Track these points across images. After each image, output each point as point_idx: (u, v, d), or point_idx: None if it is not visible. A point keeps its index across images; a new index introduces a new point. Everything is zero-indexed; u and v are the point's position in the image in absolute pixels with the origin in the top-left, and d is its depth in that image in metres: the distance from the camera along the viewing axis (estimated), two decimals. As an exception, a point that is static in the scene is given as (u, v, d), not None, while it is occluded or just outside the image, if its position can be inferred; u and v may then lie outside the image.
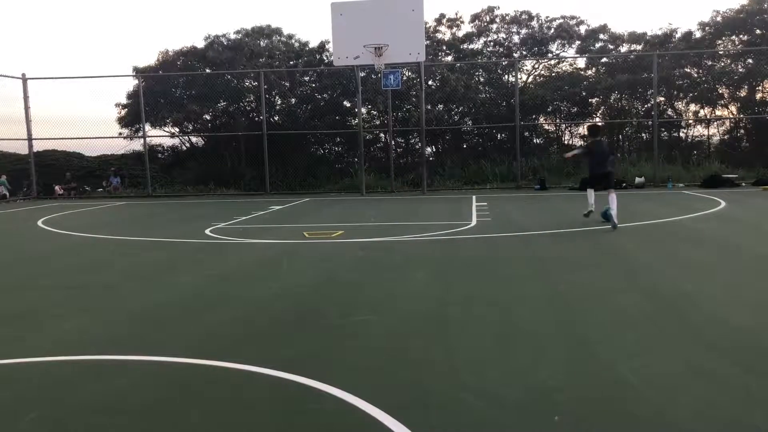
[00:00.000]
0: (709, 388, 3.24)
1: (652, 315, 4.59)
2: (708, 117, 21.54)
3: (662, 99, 20.87)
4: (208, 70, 22.03)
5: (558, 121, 22.52)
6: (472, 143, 22.89)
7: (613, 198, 9.18)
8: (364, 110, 21.53)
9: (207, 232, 9.97)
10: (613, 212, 8.98)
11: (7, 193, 19.63)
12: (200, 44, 22.57)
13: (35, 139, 19.90)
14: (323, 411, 3.10)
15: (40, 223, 12.35)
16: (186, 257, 7.87)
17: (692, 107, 21.67)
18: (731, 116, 21.44)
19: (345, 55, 14.93)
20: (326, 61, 22.14)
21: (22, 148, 20.44)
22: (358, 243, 8.50)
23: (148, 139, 20.87)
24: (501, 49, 23.18)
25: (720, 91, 21.12)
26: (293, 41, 23.44)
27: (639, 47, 22.18)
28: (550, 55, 23.06)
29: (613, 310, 4.74)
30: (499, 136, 22.39)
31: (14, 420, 3.09)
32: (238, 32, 22.92)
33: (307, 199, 16.79)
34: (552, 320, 4.55)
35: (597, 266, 6.47)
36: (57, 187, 20.54)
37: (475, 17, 23.33)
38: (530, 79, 23.07)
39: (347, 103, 22.39)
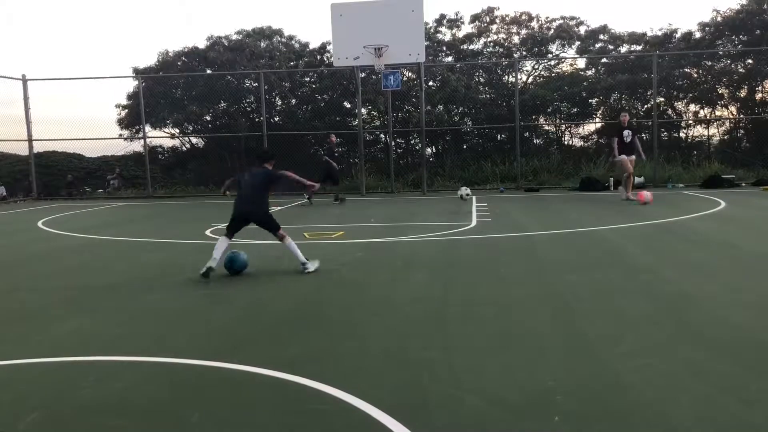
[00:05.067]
0: (709, 388, 3.24)
1: (652, 315, 4.59)
2: (708, 117, 21.55)
3: (662, 99, 20.88)
4: (208, 71, 22.04)
5: (558, 121, 22.54)
6: (472, 144, 22.91)
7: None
8: (364, 111, 21.55)
9: (207, 233, 9.97)
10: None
11: (6, 194, 19.62)
12: (201, 45, 22.63)
13: (35, 140, 19.91)
14: (323, 411, 3.11)
15: (40, 224, 12.36)
16: (186, 258, 7.87)
17: (692, 107, 21.70)
18: (731, 116, 21.45)
19: (345, 55, 14.94)
20: (326, 62, 22.17)
21: (22, 149, 20.47)
22: (359, 244, 8.50)
23: (148, 140, 20.89)
24: (501, 50, 23.20)
25: (720, 92, 21.13)
26: (293, 42, 23.47)
27: (639, 47, 22.20)
28: (549, 55, 23.08)
29: (612, 310, 4.74)
30: (499, 136, 22.40)
31: (15, 421, 3.09)
32: (238, 33, 22.97)
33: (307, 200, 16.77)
34: (552, 320, 4.55)
35: (597, 266, 6.47)
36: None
37: (475, 18, 23.36)
38: (530, 80, 23.10)
39: (347, 104, 22.42)
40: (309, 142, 22.60)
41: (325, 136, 22.21)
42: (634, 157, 13.15)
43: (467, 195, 14.57)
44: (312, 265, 6.57)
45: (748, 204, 12.29)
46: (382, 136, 22.34)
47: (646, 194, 12.37)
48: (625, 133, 12.98)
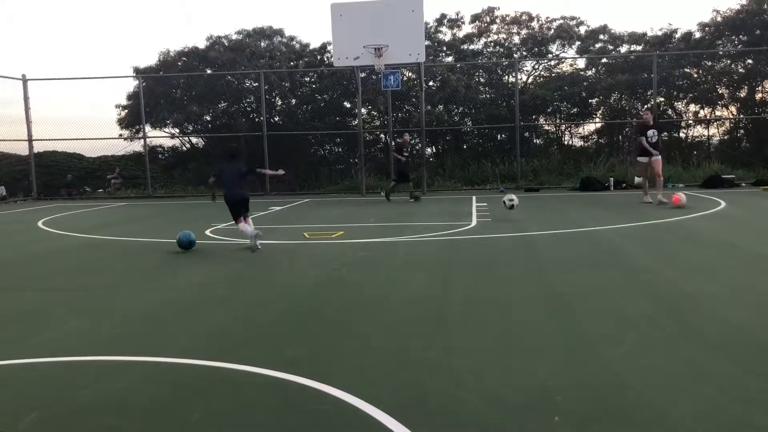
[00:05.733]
0: (709, 388, 3.24)
1: (652, 315, 4.59)
2: (708, 117, 21.55)
3: (662, 99, 20.89)
4: (209, 71, 22.04)
5: (558, 121, 22.54)
6: (472, 144, 22.92)
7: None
8: (364, 111, 21.55)
9: (207, 232, 9.98)
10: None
11: (6, 194, 19.62)
12: (201, 45, 22.63)
13: (35, 140, 19.91)
14: (323, 411, 3.11)
15: (40, 224, 12.36)
16: (186, 258, 7.87)
17: (692, 107, 21.71)
18: (731, 116, 21.45)
19: (345, 55, 14.95)
20: (327, 62, 22.18)
21: (22, 149, 20.49)
22: (359, 243, 8.50)
23: (148, 140, 20.90)
24: (501, 50, 23.21)
25: (720, 92, 21.14)
26: (294, 43, 23.47)
27: (639, 47, 22.21)
28: (550, 55, 23.08)
29: (612, 310, 4.74)
30: (499, 136, 22.41)
31: (15, 421, 3.09)
32: (239, 33, 22.97)
33: (307, 200, 16.80)
34: (552, 320, 4.55)
35: (597, 266, 6.47)
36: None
37: (475, 18, 23.37)
38: (530, 80, 23.10)
39: (347, 104, 22.42)
40: (309, 142, 22.61)
41: (326, 136, 22.32)
42: (659, 158, 12.38)
43: (510, 201, 11.23)
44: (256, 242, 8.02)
45: (748, 204, 12.29)
46: (382, 136, 22.34)
47: (681, 197, 11.67)
48: (650, 132, 12.26)
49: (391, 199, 15.28)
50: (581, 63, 22.66)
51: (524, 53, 22.92)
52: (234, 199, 8.45)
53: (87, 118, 28.25)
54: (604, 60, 22.28)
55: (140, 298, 5.70)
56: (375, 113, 22.62)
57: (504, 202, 11.25)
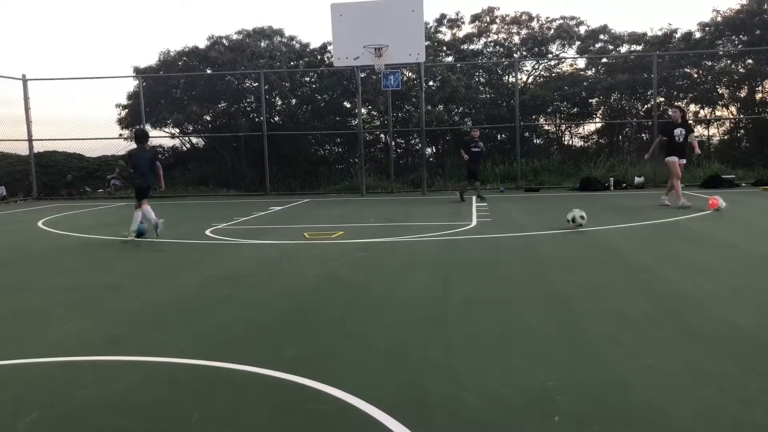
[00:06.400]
0: (709, 388, 3.24)
1: (652, 315, 4.59)
2: (708, 117, 21.55)
3: (662, 99, 20.90)
4: (209, 71, 22.04)
5: (558, 121, 22.54)
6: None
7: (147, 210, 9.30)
8: (364, 111, 21.55)
9: (207, 232, 9.98)
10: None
11: (6, 194, 19.62)
12: (202, 45, 22.64)
13: (35, 140, 19.92)
14: (323, 411, 3.11)
15: (40, 224, 12.36)
16: (186, 258, 7.87)
17: (692, 107, 21.70)
18: (731, 116, 21.45)
19: (345, 55, 14.97)
20: (327, 62, 22.19)
21: (22, 149, 20.50)
22: (359, 244, 8.50)
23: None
24: (501, 50, 23.21)
25: (720, 92, 21.14)
26: (294, 42, 23.48)
27: (639, 47, 22.22)
28: (550, 55, 23.08)
29: (612, 310, 4.74)
30: (499, 136, 22.41)
31: (14, 420, 3.09)
32: (239, 33, 22.98)
33: (307, 200, 16.80)
34: (552, 320, 4.54)
35: (597, 266, 6.47)
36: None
37: (475, 18, 23.38)
38: (530, 80, 23.10)
39: (347, 104, 22.43)
40: (309, 142, 22.61)
41: (326, 136, 22.33)
42: (684, 161, 11.76)
43: (577, 217, 9.09)
44: (133, 234, 9.04)
45: (748, 204, 12.29)
46: (382, 136, 22.34)
47: (718, 200, 10.90)
48: (677, 131, 11.41)
49: (465, 198, 14.86)
50: (581, 63, 22.71)
51: (524, 53, 22.92)
52: (148, 185, 9.29)
53: (87, 118, 28.31)
54: (604, 60, 22.28)
55: (140, 298, 5.70)
56: (375, 113, 22.62)
57: (573, 219, 9.09)
